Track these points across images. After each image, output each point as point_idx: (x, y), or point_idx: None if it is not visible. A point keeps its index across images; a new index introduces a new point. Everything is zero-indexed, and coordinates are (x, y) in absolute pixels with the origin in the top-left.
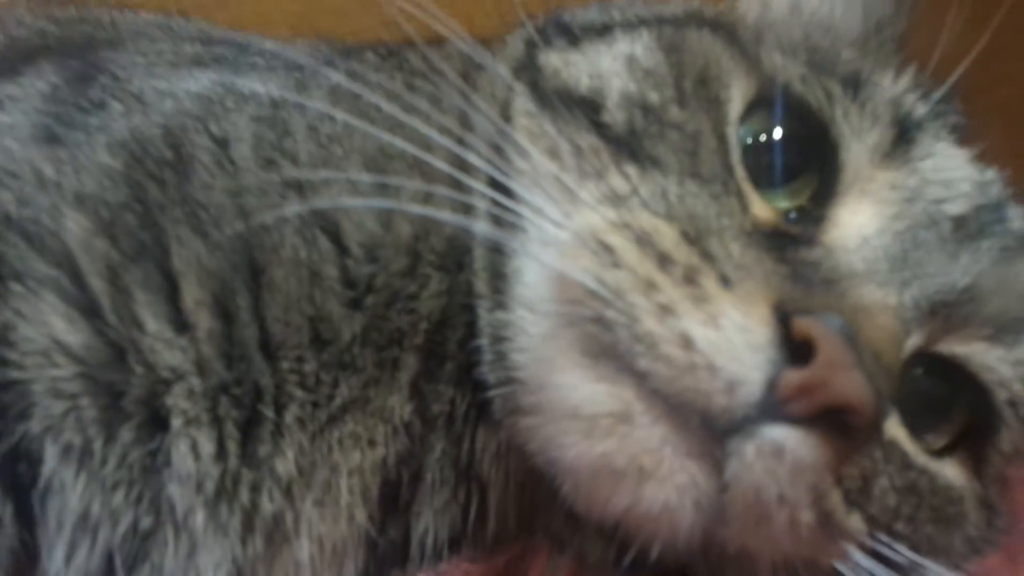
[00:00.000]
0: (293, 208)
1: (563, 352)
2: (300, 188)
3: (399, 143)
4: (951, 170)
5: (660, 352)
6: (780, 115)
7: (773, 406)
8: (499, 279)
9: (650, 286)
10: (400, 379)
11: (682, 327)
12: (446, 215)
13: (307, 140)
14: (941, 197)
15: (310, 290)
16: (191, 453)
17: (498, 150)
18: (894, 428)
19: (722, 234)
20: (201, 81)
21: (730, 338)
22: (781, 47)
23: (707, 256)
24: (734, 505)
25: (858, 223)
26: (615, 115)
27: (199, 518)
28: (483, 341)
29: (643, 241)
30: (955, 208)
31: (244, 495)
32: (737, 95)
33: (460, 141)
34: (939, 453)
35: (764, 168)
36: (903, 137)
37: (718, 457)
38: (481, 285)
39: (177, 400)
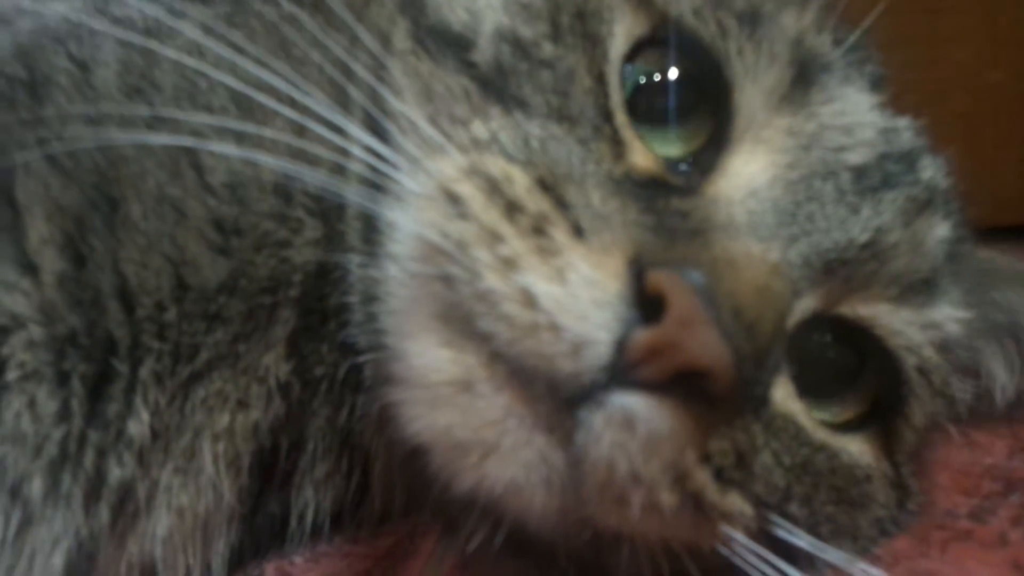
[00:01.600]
0: (159, 139)
1: (417, 315)
2: (164, 119)
3: (267, 78)
4: (855, 115)
5: (501, 311)
6: (674, 53)
7: (624, 371)
8: (372, 232)
9: (495, 238)
10: (275, 334)
11: (524, 282)
12: (321, 150)
13: (173, 71)
14: (841, 145)
15: (173, 230)
16: (28, 411)
17: (376, 90)
18: (787, 400)
19: (584, 181)
20: (70, 1)
21: (576, 294)
22: None
23: (562, 204)
24: (587, 484)
25: (749, 172)
26: (484, 53)
27: (35, 486)
28: (353, 299)
29: (493, 189)
30: (856, 157)
31: (89, 460)
32: (621, 31)
33: (344, 77)
34: (845, 428)
35: (657, 111)
36: (803, 79)
37: (568, 428)
38: (353, 237)
39: (14, 351)
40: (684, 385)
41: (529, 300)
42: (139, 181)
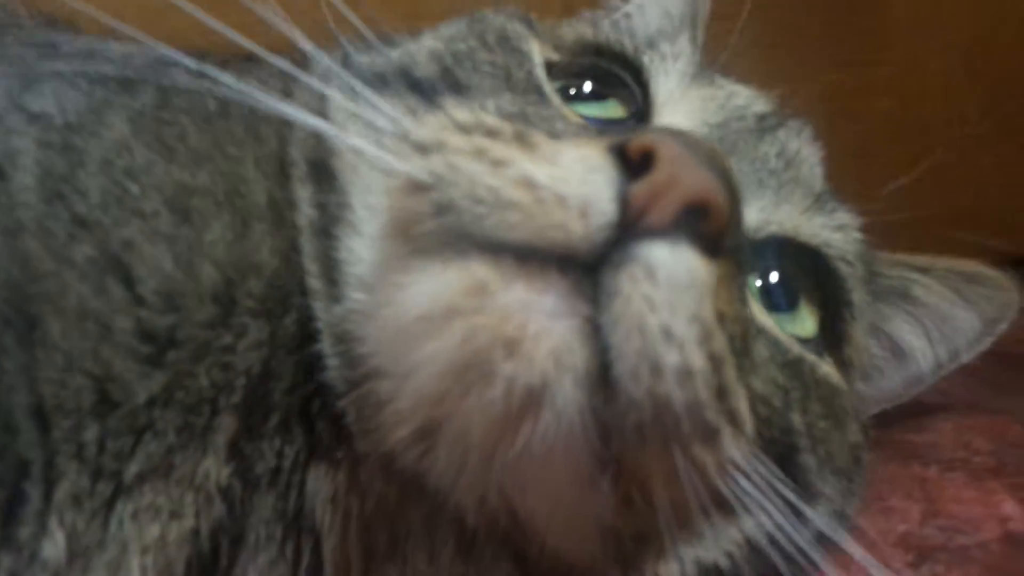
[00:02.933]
0: (81, 251)
1: (405, 271)
2: (90, 228)
3: (205, 178)
4: (746, 90)
5: (504, 199)
6: (591, 74)
7: (632, 223)
8: (331, 268)
9: (480, 152)
10: (215, 442)
11: (520, 171)
12: (264, 249)
13: (100, 174)
14: (745, 103)
15: (97, 346)
16: None
17: (317, 150)
18: (760, 315)
19: (543, 120)
20: None
21: (570, 167)
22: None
23: (531, 124)
24: (621, 359)
25: (676, 122)
26: (427, 67)
27: None
28: (324, 345)
29: (467, 128)
30: (758, 108)
31: None
32: (536, 50)
33: (280, 155)
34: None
35: (582, 98)
36: (704, 68)
37: (587, 313)
38: (315, 281)
39: None
40: (687, 227)
41: (528, 183)
42: (59, 297)
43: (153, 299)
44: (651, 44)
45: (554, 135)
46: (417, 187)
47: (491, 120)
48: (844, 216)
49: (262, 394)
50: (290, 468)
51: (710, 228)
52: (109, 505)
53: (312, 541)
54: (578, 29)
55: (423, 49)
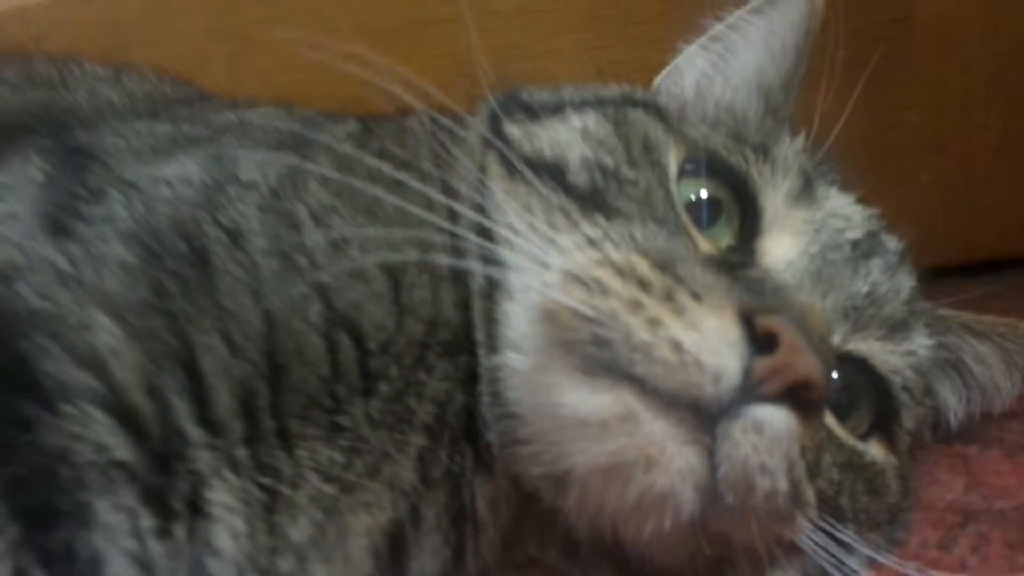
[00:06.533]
0: (315, 311)
1: (563, 375)
2: (317, 284)
3: (399, 229)
4: (844, 207)
5: (655, 357)
6: (705, 174)
7: (750, 390)
8: (491, 325)
9: (637, 305)
10: (409, 452)
11: (671, 334)
12: (449, 305)
13: (315, 230)
14: (841, 227)
15: (332, 388)
16: (230, 537)
17: (480, 211)
18: (829, 419)
19: (684, 262)
20: (187, 166)
21: (710, 338)
22: (704, 122)
23: (677, 278)
24: (726, 481)
25: (782, 250)
26: (579, 176)
27: None
28: (482, 386)
29: (623, 272)
30: (853, 234)
31: (264, 560)
32: (672, 159)
33: (450, 211)
34: (861, 437)
35: (700, 217)
36: (808, 184)
37: (707, 443)
38: (479, 334)
39: (217, 495)
40: (792, 395)
41: (676, 346)
42: (300, 351)
43: (375, 349)
44: (763, 148)
45: (696, 295)
46: (578, 315)
47: (643, 269)
48: (914, 343)
49: (442, 414)
50: (459, 473)
51: (809, 398)
52: (337, 501)
53: (474, 533)
54: (692, 133)
55: (575, 150)
